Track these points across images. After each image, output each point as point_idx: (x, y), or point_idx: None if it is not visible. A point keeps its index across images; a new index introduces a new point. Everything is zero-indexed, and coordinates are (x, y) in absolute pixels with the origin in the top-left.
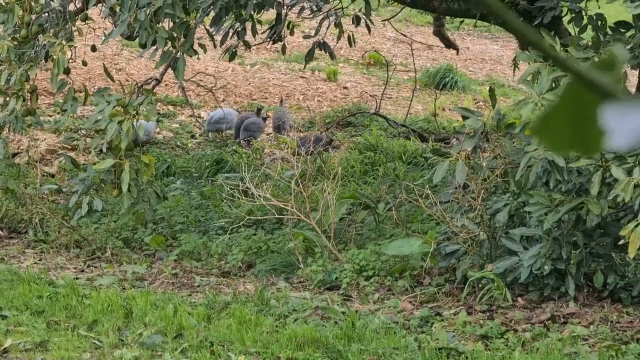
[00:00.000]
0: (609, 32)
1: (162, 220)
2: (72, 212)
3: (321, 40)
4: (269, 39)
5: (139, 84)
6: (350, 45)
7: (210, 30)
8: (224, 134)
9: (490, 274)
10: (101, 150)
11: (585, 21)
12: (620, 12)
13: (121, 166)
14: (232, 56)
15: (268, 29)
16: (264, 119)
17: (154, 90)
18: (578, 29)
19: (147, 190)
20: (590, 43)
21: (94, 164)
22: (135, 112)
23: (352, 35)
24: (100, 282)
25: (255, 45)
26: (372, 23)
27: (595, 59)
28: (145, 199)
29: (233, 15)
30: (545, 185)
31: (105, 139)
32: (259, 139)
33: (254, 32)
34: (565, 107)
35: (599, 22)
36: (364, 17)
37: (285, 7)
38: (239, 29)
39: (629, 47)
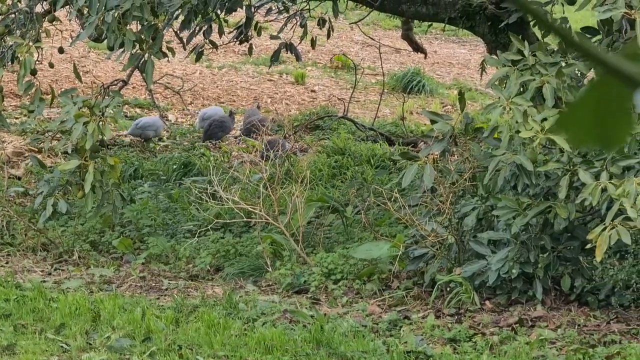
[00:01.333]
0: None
1: (129, 223)
2: (39, 214)
3: (288, 42)
4: (235, 40)
5: (106, 86)
6: (313, 47)
7: (180, 34)
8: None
9: (458, 278)
10: (67, 152)
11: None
12: (586, 17)
13: (86, 167)
14: (199, 56)
15: (235, 29)
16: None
17: (121, 92)
18: (542, 32)
19: (112, 192)
20: (556, 48)
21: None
22: (101, 113)
23: (315, 37)
24: (67, 286)
25: (222, 45)
26: (332, 29)
27: (562, 63)
28: (110, 201)
29: (201, 16)
30: (514, 189)
31: (71, 140)
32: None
33: (221, 33)
34: (590, 102)
35: (563, 26)
36: (330, 19)
37: (253, 7)
38: (205, 28)
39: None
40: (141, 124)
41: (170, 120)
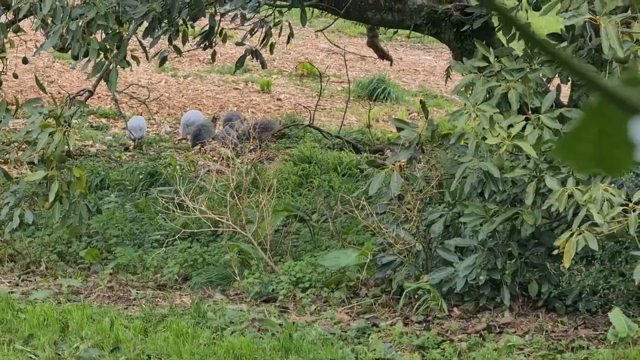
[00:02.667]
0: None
1: (96, 234)
2: (5, 225)
3: (254, 49)
4: (199, 46)
5: (71, 96)
6: (271, 52)
7: (143, 41)
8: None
9: (426, 285)
10: (33, 163)
11: (513, 30)
12: (551, 23)
13: (53, 178)
14: (162, 61)
15: (199, 34)
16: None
17: (87, 102)
18: (507, 38)
19: (78, 203)
20: (520, 54)
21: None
22: (67, 123)
23: (274, 42)
24: (35, 296)
25: (186, 52)
26: (292, 35)
27: (528, 69)
28: (77, 212)
29: (166, 22)
30: (480, 196)
31: (37, 151)
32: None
33: (184, 41)
34: (589, 127)
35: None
36: (290, 25)
37: (218, 14)
38: (171, 33)
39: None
40: (137, 126)
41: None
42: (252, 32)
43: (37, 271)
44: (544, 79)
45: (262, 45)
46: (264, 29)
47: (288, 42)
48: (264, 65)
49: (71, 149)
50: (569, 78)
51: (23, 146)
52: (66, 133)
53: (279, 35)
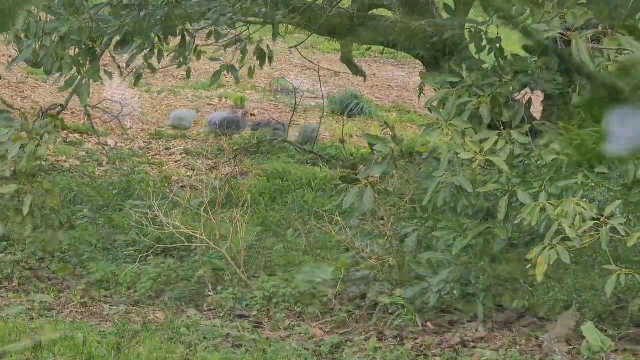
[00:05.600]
0: (509, 56)
1: (69, 249)
2: None
3: (229, 64)
4: (174, 63)
5: (44, 110)
6: (250, 77)
7: (118, 58)
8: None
9: (399, 299)
10: (4, 177)
11: (485, 43)
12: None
13: (25, 192)
14: (137, 79)
15: (174, 51)
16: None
17: (60, 117)
18: (477, 50)
19: (50, 216)
20: (490, 68)
21: None
22: (39, 136)
23: (254, 66)
24: (7, 312)
25: (161, 68)
26: (272, 57)
27: (497, 83)
28: (49, 224)
29: (140, 39)
30: (453, 210)
31: (8, 163)
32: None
33: (160, 58)
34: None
35: (497, 45)
36: (267, 48)
37: (188, 32)
38: (146, 52)
39: (529, 71)
40: (178, 115)
41: (110, 145)
42: (226, 47)
43: (9, 287)
44: (513, 93)
45: (240, 64)
46: (239, 45)
47: (270, 62)
48: (237, 80)
49: (42, 162)
50: (543, 89)
51: None
52: (38, 146)
53: (260, 63)
